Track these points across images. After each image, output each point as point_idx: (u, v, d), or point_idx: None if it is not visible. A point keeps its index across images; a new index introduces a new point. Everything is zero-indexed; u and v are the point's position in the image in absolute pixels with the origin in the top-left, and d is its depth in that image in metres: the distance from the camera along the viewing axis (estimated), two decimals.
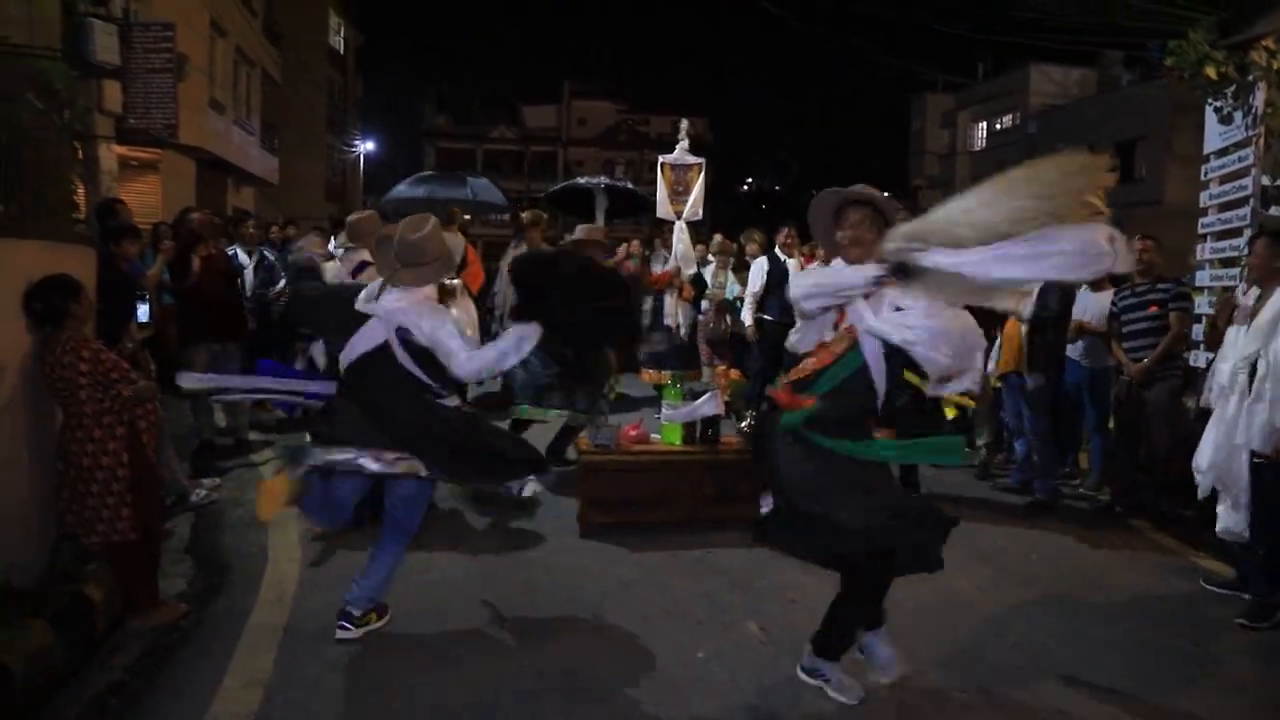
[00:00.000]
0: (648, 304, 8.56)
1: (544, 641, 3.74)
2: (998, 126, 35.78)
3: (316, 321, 4.14)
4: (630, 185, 10.62)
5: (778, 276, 7.96)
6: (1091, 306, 6.23)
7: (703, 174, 8.82)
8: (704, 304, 9.84)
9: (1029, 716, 3.22)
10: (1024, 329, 5.92)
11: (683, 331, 8.85)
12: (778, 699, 3.29)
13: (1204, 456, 4.46)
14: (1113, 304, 5.96)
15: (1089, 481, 6.50)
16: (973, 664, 3.63)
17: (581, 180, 10.71)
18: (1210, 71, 6.39)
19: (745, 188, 51.19)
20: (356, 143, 34.76)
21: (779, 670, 3.51)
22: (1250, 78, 6.28)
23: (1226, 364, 4.43)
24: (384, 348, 3.46)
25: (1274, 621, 4.09)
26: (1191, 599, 4.43)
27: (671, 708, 3.21)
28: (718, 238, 9.97)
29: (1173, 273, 6.90)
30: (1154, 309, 5.70)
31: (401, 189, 11.63)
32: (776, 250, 8.26)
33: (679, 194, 8.80)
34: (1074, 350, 6.29)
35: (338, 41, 32.49)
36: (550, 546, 4.91)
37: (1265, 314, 4.25)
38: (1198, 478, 4.54)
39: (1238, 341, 4.41)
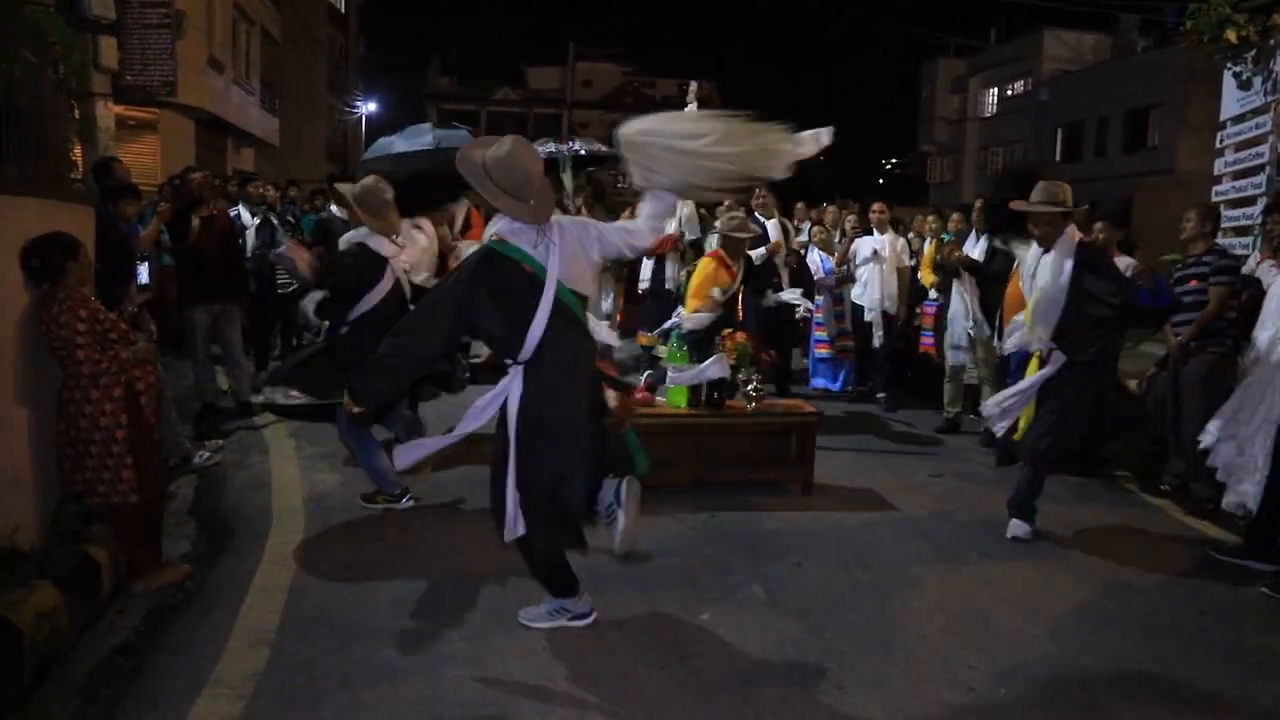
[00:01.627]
0: (648, 268, 8.49)
1: None
2: (1009, 93, 35.32)
3: None
4: (587, 150, 10.43)
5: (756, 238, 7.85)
6: None
7: None
8: None
9: (1035, 684, 3.22)
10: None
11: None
12: (782, 660, 3.30)
13: (1215, 424, 4.45)
14: (1173, 273, 5.69)
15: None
16: (978, 631, 3.63)
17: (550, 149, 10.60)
18: (1231, 35, 6.27)
19: None
20: (358, 103, 34.38)
21: (783, 632, 3.51)
22: (1271, 42, 6.16)
23: (1266, 332, 4.38)
24: None
25: None
26: (1197, 567, 4.42)
27: (676, 669, 3.21)
28: (727, 202, 9.82)
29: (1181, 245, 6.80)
30: (1194, 283, 5.30)
31: (375, 148, 11.19)
32: (755, 212, 8.12)
33: None
34: None
35: None
36: None
37: None
38: (1206, 440, 4.54)
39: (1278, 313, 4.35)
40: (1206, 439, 4.55)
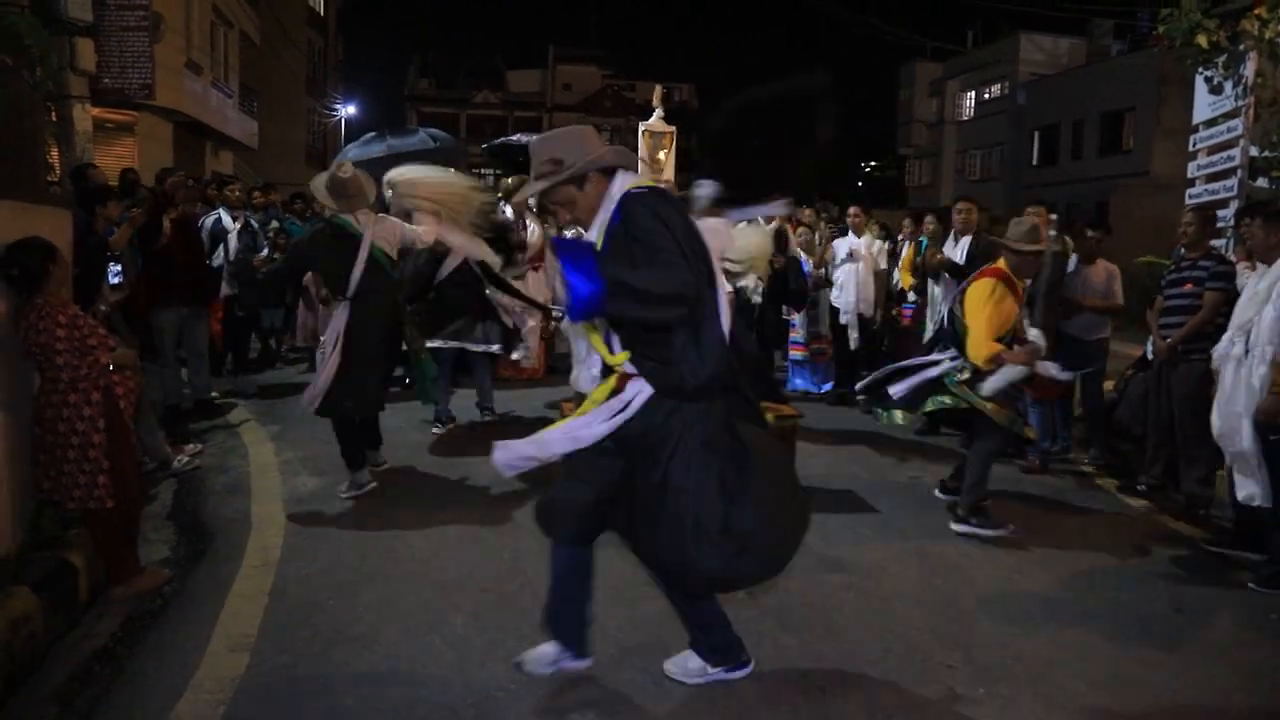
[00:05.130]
0: None
1: (531, 607, 3.74)
2: (986, 96, 35.68)
3: None
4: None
5: None
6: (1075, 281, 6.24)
7: (674, 142, 8.77)
8: None
9: (1011, 680, 3.26)
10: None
11: None
12: (763, 662, 3.31)
13: (1214, 425, 4.52)
14: (1161, 278, 5.70)
15: (1074, 450, 6.56)
16: (955, 627, 3.66)
17: (516, 138, 10.55)
18: (1201, 40, 6.35)
19: None
20: (337, 106, 34.19)
21: (764, 634, 3.53)
22: (1241, 47, 6.25)
23: (1228, 332, 4.48)
24: None
25: None
26: (1171, 565, 4.49)
27: (658, 672, 3.22)
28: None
29: (1161, 247, 6.88)
30: (1189, 286, 5.25)
31: (354, 151, 11.03)
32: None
33: (657, 161, 8.75)
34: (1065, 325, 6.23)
35: (317, 2, 31.82)
36: None
37: (1263, 281, 4.29)
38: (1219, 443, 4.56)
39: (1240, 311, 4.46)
40: (1223, 442, 4.51)
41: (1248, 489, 4.33)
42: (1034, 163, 32.17)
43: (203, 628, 3.46)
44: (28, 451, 3.68)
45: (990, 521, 4.67)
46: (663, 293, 2.57)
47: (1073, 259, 6.38)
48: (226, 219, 8.05)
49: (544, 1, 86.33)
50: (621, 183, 2.78)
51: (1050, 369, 4.83)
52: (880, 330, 8.20)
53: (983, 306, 4.61)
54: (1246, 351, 4.29)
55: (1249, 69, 6.21)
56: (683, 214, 2.81)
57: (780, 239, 7.88)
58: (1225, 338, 4.49)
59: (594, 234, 2.80)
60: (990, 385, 4.55)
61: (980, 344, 4.57)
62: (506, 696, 3.04)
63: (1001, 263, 4.81)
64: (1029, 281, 5.49)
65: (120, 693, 3.02)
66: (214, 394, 7.38)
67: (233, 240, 7.97)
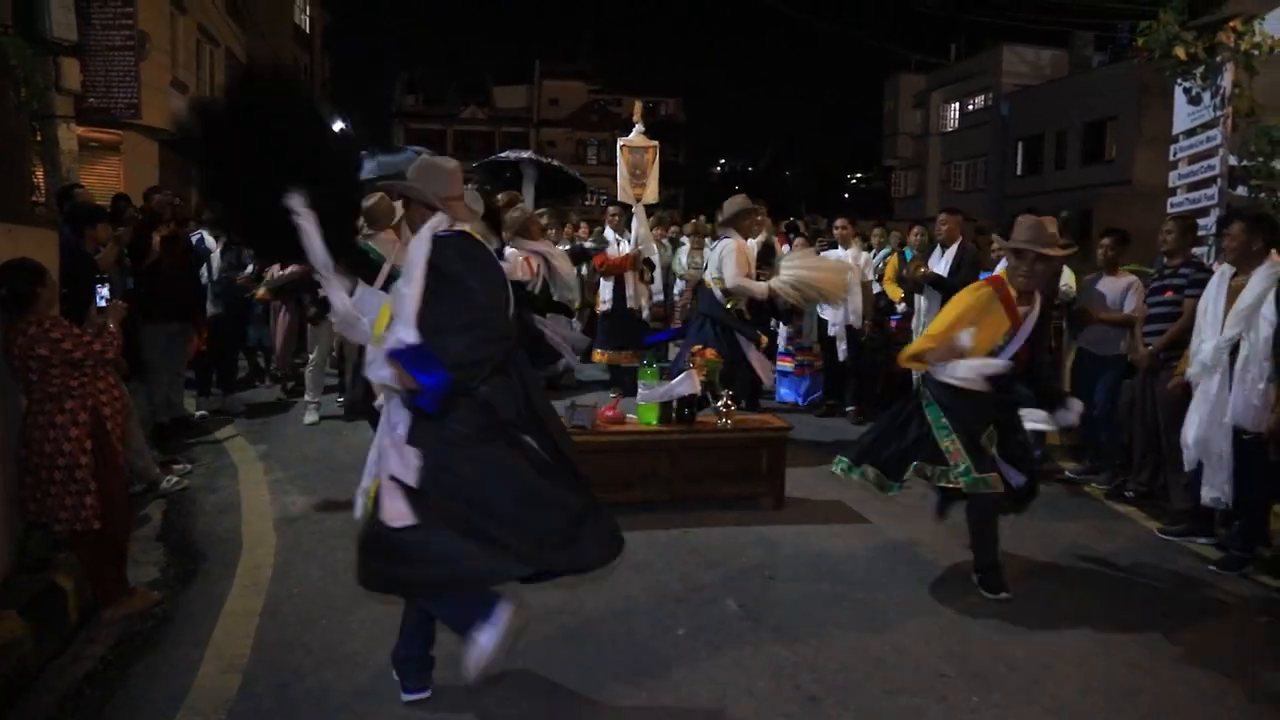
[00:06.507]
0: (608, 287, 8.53)
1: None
2: (970, 107, 35.96)
3: None
4: (558, 163, 10.45)
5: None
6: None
7: (658, 157, 8.81)
8: (680, 284, 9.83)
9: (1001, 684, 3.28)
10: None
11: (645, 314, 8.81)
12: (757, 673, 3.32)
13: (1189, 432, 4.64)
14: (1145, 286, 5.75)
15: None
16: (947, 636, 3.68)
17: (508, 155, 10.53)
18: (1179, 52, 6.45)
19: (718, 169, 51.08)
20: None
21: (759, 645, 3.54)
22: (1218, 58, 6.35)
23: (1209, 344, 4.56)
24: None
25: (1242, 572, 4.49)
26: (1158, 571, 4.53)
27: (654, 684, 3.22)
28: (702, 219, 9.98)
29: (1144, 256, 6.95)
30: (1169, 294, 5.32)
31: None
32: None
33: (637, 177, 8.75)
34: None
35: (303, 20, 31.84)
36: None
37: (1246, 297, 4.41)
38: (1185, 452, 4.71)
39: (1216, 322, 4.55)
40: (1187, 453, 4.71)
41: (1212, 492, 4.53)
42: (1018, 173, 32.44)
43: (195, 649, 3.44)
44: (14, 473, 3.65)
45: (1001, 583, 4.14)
46: (479, 357, 2.89)
47: (1066, 272, 6.39)
48: (209, 239, 8.03)
49: (531, 17, 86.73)
50: (437, 221, 2.97)
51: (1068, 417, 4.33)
52: (867, 341, 8.23)
53: (956, 305, 4.12)
54: (1231, 365, 4.41)
55: (1226, 80, 6.30)
56: (491, 262, 3.07)
57: (768, 252, 7.92)
58: (1208, 349, 4.55)
59: (406, 267, 2.89)
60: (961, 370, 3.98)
61: (928, 339, 4.13)
62: (503, 714, 3.03)
63: (1002, 271, 4.35)
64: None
65: (112, 716, 3.00)
66: (203, 412, 7.37)
67: (215, 260, 7.95)
